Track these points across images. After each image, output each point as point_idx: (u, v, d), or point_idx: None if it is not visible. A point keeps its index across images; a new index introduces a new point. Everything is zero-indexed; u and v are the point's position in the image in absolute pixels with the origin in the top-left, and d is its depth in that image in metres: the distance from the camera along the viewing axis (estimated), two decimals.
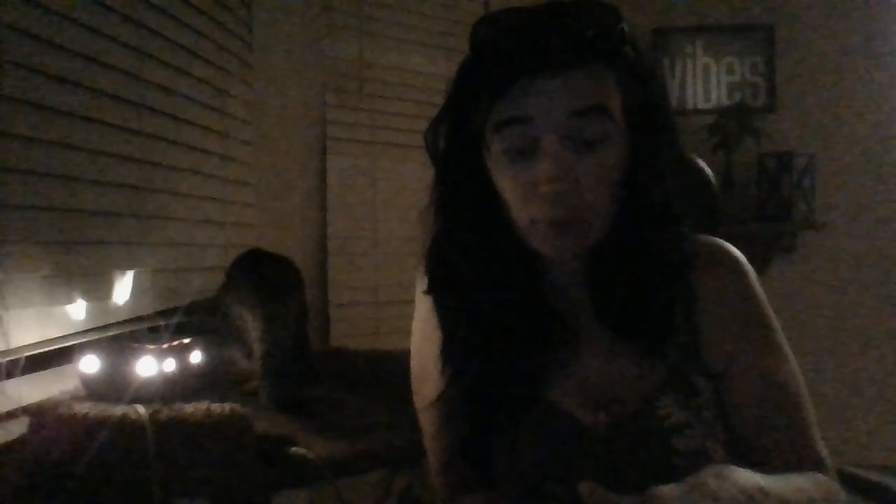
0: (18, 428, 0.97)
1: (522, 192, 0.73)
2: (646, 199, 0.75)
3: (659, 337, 0.76)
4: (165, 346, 1.01)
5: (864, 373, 2.72)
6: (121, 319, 1.23)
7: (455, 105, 0.78)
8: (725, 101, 2.88)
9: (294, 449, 1.06)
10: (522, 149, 0.72)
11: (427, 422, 0.86)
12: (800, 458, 0.74)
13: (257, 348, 1.23)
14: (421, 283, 0.86)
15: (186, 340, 1.05)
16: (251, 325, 1.24)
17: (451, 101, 0.78)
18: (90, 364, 1.00)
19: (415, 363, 0.90)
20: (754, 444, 0.76)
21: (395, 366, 0.99)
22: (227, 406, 0.97)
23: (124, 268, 1.25)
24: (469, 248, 0.78)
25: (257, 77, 1.80)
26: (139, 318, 1.25)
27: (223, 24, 1.63)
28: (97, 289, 1.20)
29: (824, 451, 0.77)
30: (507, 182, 0.74)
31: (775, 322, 0.79)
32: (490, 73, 0.72)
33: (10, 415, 0.99)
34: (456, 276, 0.80)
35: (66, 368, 1.06)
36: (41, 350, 1.05)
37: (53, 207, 1.09)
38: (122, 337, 1.09)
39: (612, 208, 0.74)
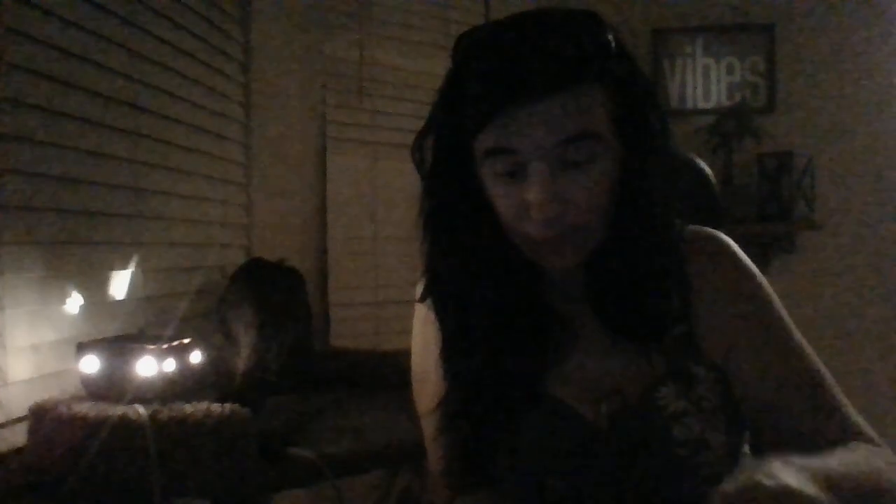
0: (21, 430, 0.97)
1: (514, 212, 0.73)
2: (639, 203, 0.75)
3: (656, 332, 0.76)
4: (165, 346, 1.01)
5: (864, 372, 2.72)
6: (120, 319, 1.23)
7: (440, 120, 0.77)
8: (725, 101, 2.88)
9: (294, 449, 1.06)
10: (511, 171, 0.72)
11: (428, 426, 0.86)
12: (829, 425, 0.73)
13: (242, 366, 1.22)
14: (420, 291, 0.86)
15: (186, 340, 1.05)
16: (243, 342, 1.25)
17: (435, 115, 0.77)
18: (90, 364, 1.00)
19: (415, 369, 0.90)
20: (776, 420, 0.75)
21: (395, 366, 0.99)
22: (227, 406, 0.97)
23: (122, 268, 1.25)
24: (467, 254, 0.78)
25: (257, 77, 1.80)
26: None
27: (220, 28, 1.63)
28: (95, 289, 1.20)
29: (856, 416, 0.75)
30: (498, 200, 0.74)
31: (773, 297, 0.79)
32: (474, 100, 0.71)
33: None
34: (455, 281, 0.80)
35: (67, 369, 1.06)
36: None
37: (52, 208, 1.09)
38: (122, 337, 1.09)
39: (608, 215, 0.74)
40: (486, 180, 0.74)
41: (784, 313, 0.79)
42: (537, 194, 0.70)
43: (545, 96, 0.68)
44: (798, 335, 0.78)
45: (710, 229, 0.83)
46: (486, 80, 0.70)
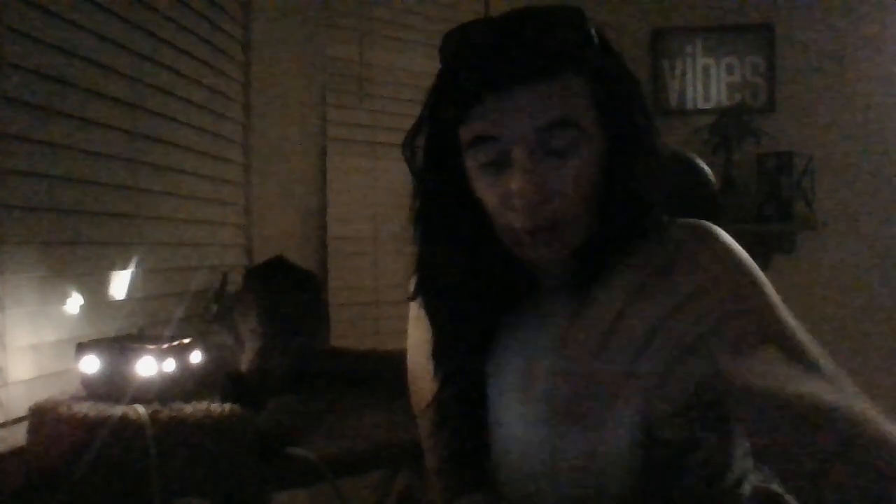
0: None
1: (498, 203, 0.74)
2: (623, 198, 0.75)
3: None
4: (165, 346, 1.01)
5: (864, 372, 2.71)
6: (120, 319, 1.22)
7: (429, 116, 0.78)
8: (725, 101, 2.88)
9: (294, 449, 1.06)
10: (495, 161, 0.72)
11: (423, 424, 0.86)
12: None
13: (244, 369, 1.22)
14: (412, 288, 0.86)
15: (186, 340, 1.04)
16: (248, 346, 1.25)
17: (425, 112, 0.78)
18: (90, 364, 1.00)
19: (410, 367, 0.90)
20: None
21: (395, 366, 0.99)
22: (227, 406, 0.97)
23: (122, 268, 1.25)
24: (457, 251, 0.78)
25: (257, 77, 1.80)
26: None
27: (220, 27, 1.63)
28: (95, 289, 1.20)
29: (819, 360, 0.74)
30: (484, 193, 0.75)
31: (764, 283, 0.78)
32: (458, 90, 0.72)
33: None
34: (445, 279, 0.80)
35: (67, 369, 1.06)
36: None
37: (52, 208, 1.09)
38: (122, 337, 1.09)
39: (592, 208, 0.75)
40: (471, 173, 0.75)
41: (775, 297, 0.78)
42: (520, 181, 0.70)
43: (526, 84, 0.69)
44: (792, 321, 0.77)
45: (697, 220, 0.82)
46: (468, 70, 0.71)
